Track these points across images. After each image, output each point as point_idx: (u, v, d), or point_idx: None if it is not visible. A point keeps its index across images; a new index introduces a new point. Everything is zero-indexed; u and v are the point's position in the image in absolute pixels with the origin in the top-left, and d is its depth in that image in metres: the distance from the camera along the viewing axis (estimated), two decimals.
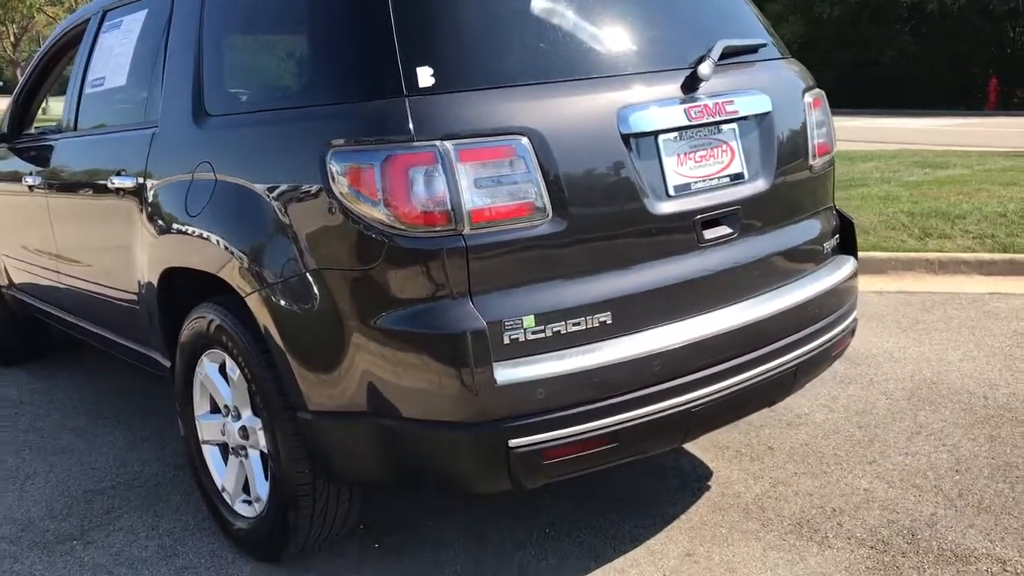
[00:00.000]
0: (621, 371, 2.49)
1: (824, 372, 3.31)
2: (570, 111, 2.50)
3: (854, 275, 3.20)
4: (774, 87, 2.96)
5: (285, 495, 2.79)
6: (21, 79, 4.87)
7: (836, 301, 3.07)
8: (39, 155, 4.36)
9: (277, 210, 2.61)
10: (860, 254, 3.34)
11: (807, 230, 3.07)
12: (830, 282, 3.04)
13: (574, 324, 2.46)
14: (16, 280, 4.95)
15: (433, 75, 2.39)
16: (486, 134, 2.37)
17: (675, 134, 2.66)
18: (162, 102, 3.26)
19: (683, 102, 2.66)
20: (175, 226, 3.06)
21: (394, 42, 2.40)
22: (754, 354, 2.77)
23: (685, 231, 2.66)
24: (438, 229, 2.32)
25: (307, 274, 2.54)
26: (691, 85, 2.68)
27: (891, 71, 26.99)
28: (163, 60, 3.30)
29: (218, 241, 2.83)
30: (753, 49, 3.02)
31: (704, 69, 2.68)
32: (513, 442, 2.38)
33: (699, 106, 2.68)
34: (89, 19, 4.09)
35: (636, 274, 2.59)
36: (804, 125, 3.05)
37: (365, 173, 2.36)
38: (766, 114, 2.89)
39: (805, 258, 3.05)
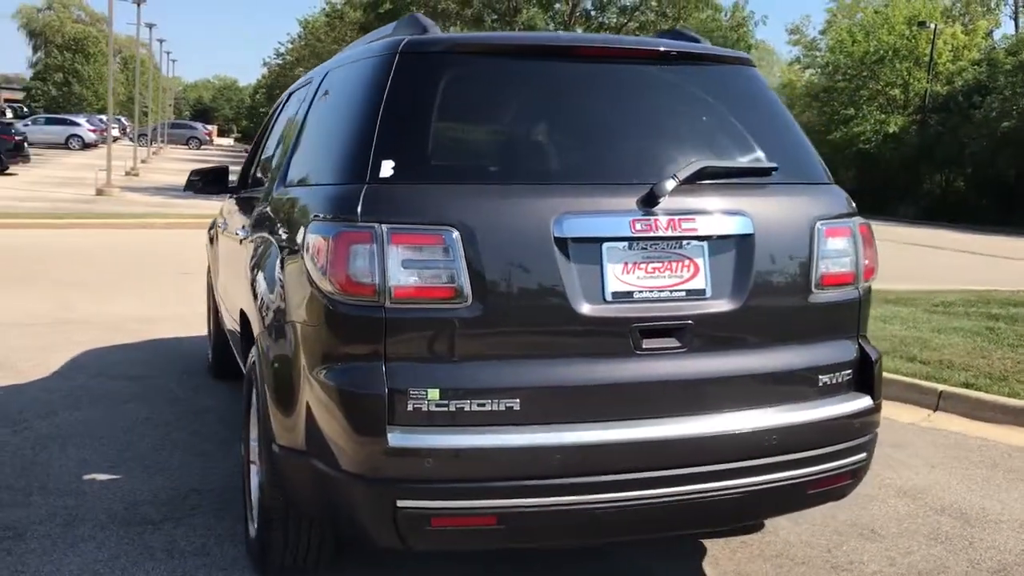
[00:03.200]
0: (515, 457, 2.63)
1: (812, 509, 3.15)
2: (506, 212, 2.73)
3: (859, 414, 3.04)
4: (766, 211, 2.95)
5: (264, 517, 3.19)
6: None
7: (817, 437, 2.95)
8: (247, 207, 5.18)
9: (280, 267, 3.08)
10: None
11: (794, 358, 2.98)
12: (810, 415, 2.93)
13: (479, 404, 2.65)
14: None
15: (393, 168, 2.73)
16: (420, 223, 2.66)
17: (623, 244, 2.77)
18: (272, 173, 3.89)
19: (632, 215, 2.77)
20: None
21: (373, 141, 2.79)
22: (686, 471, 2.76)
23: (619, 336, 2.75)
24: (364, 299, 2.64)
25: (285, 324, 2.97)
26: (649, 201, 2.78)
27: None
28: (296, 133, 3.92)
29: (252, 288, 3.36)
30: (753, 172, 3.03)
31: (661, 187, 2.77)
32: (400, 502, 2.62)
33: (647, 220, 2.77)
34: (309, 82, 4.53)
35: (554, 369, 2.72)
36: (808, 253, 2.99)
37: (322, 243, 2.74)
38: (746, 236, 2.89)
39: (784, 385, 2.97)
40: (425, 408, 2.64)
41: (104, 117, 47.56)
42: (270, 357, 3.07)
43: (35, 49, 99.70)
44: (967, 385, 6.22)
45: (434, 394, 2.64)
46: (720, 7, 27.20)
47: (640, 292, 2.79)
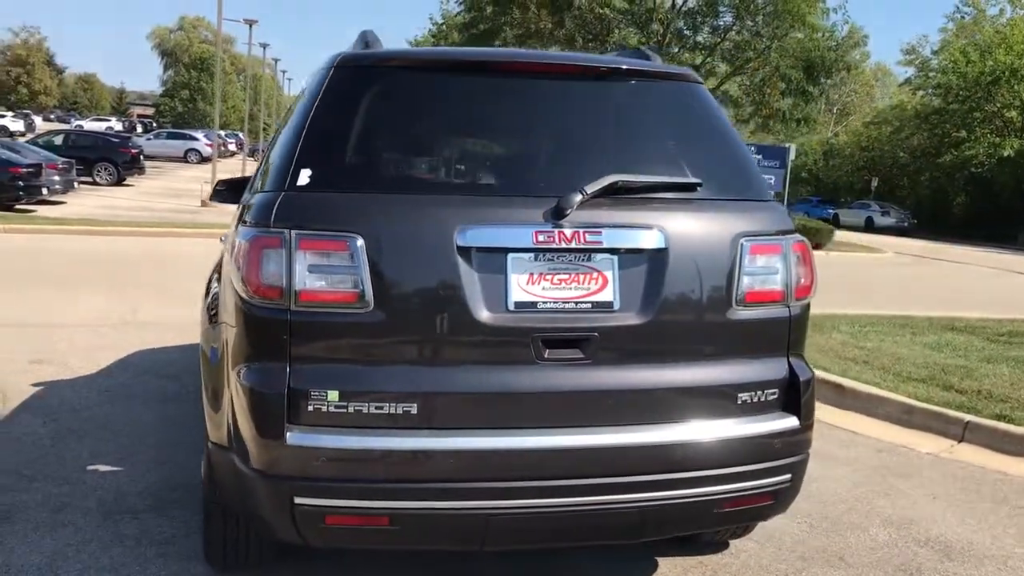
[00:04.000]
0: (408, 460, 2.72)
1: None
2: (410, 220, 2.82)
3: (781, 435, 3.01)
4: (683, 227, 2.96)
5: (205, 511, 3.35)
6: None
7: (730, 455, 2.93)
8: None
9: (220, 271, 3.24)
10: None
11: (709, 374, 2.97)
12: (723, 433, 2.92)
13: (377, 407, 2.74)
14: None
15: (309, 176, 2.86)
16: (327, 229, 2.77)
17: (528, 255, 2.83)
18: None
19: (535, 227, 2.81)
20: None
21: (296, 152, 2.93)
22: (581, 482, 2.79)
23: (520, 345, 2.80)
24: (272, 302, 2.77)
25: (218, 325, 3.12)
26: (555, 213, 2.83)
27: None
28: None
29: (205, 290, 3.54)
30: (673, 186, 3.04)
31: (567, 200, 2.82)
32: (298, 499, 2.73)
33: (550, 232, 2.81)
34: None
35: (453, 375, 2.79)
36: (730, 269, 2.98)
37: (241, 247, 2.88)
38: (659, 251, 2.90)
39: (697, 401, 2.96)
40: (325, 409, 2.74)
41: (223, 132, 49.68)
42: (207, 355, 3.23)
43: (165, 68, 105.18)
44: (1000, 417, 5.97)
45: (334, 396, 2.74)
46: (818, 27, 26.64)
47: (544, 303, 2.83)
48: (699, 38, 27.77)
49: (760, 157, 23.01)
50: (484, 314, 2.79)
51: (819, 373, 5.43)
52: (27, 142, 27.43)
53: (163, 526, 3.97)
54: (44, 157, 20.91)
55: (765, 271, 3.04)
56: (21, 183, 18.57)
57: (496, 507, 2.75)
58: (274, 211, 2.81)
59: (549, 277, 2.85)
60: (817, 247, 20.36)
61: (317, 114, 2.97)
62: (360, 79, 3.06)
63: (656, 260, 2.92)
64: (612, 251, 2.89)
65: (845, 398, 6.60)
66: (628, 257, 2.91)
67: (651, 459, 2.85)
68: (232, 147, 56.51)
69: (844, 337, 8.48)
